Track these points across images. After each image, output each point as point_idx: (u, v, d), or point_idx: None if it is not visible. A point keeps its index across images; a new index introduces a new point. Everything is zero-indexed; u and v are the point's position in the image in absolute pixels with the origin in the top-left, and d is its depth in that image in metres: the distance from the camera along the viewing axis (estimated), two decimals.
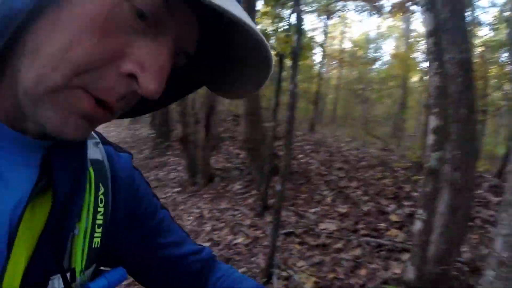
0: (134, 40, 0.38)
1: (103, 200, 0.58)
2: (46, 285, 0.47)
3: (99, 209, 0.57)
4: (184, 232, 0.75)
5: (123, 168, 0.64)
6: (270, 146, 4.04)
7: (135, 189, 0.66)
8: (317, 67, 13.22)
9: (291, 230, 3.90)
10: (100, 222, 0.57)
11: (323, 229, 3.86)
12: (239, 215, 4.54)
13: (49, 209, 0.46)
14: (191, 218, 4.85)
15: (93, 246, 0.56)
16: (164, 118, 8.73)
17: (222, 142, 7.14)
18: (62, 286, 0.49)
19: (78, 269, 0.53)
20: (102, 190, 0.58)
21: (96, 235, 0.57)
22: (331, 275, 3.12)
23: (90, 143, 0.57)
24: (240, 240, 3.94)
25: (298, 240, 3.73)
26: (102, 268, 0.62)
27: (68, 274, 0.50)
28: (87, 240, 0.54)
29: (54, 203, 0.46)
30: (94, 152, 0.59)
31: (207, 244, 4.04)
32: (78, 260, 0.53)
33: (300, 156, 5.88)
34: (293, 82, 2.91)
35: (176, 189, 6.02)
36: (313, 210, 4.33)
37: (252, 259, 3.55)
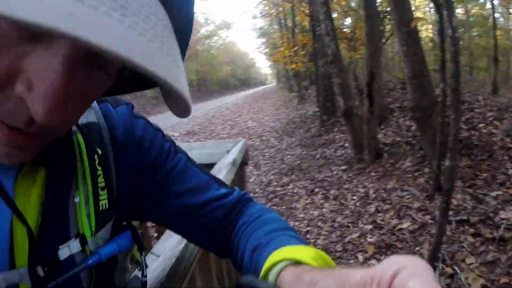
0: (28, 52, 0.31)
1: (103, 161, 0.59)
2: (56, 255, 0.51)
3: (98, 172, 0.58)
4: (207, 176, 0.72)
5: (120, 123, 0.63)
6: (442, 113, 3.32)
7: (137, 140, 0.65)
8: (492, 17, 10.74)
9: (464, 217, 3.15)
10: (103, 184, 0.59)
11: (503, 219, 2.99)
12: (408, 196, 3.96)
13: (42, 187, 0.50)
14: (355, 198, 4.56)
15: (101, 209, 0.58)
16: (327, 94, 8.45)
17: (391, 113, 6.43)
18: (73, 252, 0.53)
19: (88, 234, 0.56)
20: (99, 151, 0.59)
21: (101, 197, 0.58)
22: (504, 279, 2.43)
23: None
24: (405, 225, 3.42)
25: (471, 230, 2.98)
26: (125, 223, 0.64)
27: (77, 240, 0.54)
28: (91, 205, 0.56)
29: (46, 181, 0.50)
30: (86, 115, 0.59)
31: (368, 227, 3.67)
32: (86, 225, 0.55)
33: (481, 125, 4.72)
34: (450, 26, 2.19)
35: (342, 167, 5.78)
36: (494, 193, 3.40)
37: (416, 248, 3.02)
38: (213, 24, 44.02)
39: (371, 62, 5.13)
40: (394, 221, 3.58)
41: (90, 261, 0.55)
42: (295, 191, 5.44)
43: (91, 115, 0.60)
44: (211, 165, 1.50)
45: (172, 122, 14.49)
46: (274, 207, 4.91)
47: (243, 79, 62.25)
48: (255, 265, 0.56)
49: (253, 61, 73.89)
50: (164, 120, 16.28)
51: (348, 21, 10.43)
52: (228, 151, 1.77)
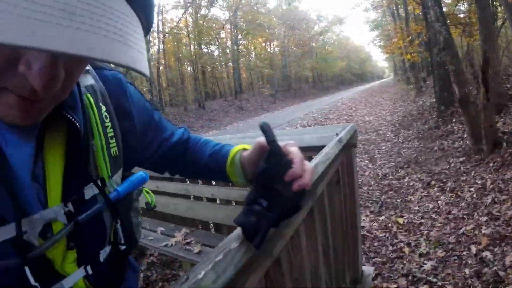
0: None
1: (108, 116, 0.68)
2: (82, 194, 0.60)
3: (106, 124, 0.67)
4: (169, 123, 0.92)
5: (115, 85, 0.74)
6: None
7: (132, 102, 0.77)
8: None
9: None
10: (111, 134, 0.68)
11: None
12: None
13: (65, 140, 0.59)
14: (472, 189, 4.41)
15: (113, 155, 0.68)
16: (443, 83, 7.96)
17: (510, 100, 5.89)
18: (96, 192, 0.63)
19: (106, 176, 0.65)
20: (104, 108, 0.68)
21: (111, 145, 0.68)
22: None
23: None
24: None
25: None
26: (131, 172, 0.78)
27: (98, 182, 0.63)
28: (105, 151, 0.66)
29: (69, 133, 0.59)
30: (86, 79, 0.67)
31: (484, 219, 3.61)
32: (104, 169, 0.65)
33: None
34: None
35: (460, 159, 5.54)
36: None
37: None
38: (325, 20, 43.56)
39: (485, 47, 4.88)
40: (511, 212, 3.49)
41: (111, 196, 0.65)
42: (410, 184, 5.37)
43: (90, 79, 0.67)
44: (321, 147, 1.54)
45: (288, 118, 15.01)
46: (389, 200, 4.94)
47: (358, 74, 60.02)
48: (215, 160, 0.87)
49: (368, 55, 70.80)
50: (280, 116, 16.78)
51: (463, 6, 9.71)
52: (337, 134, 1.79)
